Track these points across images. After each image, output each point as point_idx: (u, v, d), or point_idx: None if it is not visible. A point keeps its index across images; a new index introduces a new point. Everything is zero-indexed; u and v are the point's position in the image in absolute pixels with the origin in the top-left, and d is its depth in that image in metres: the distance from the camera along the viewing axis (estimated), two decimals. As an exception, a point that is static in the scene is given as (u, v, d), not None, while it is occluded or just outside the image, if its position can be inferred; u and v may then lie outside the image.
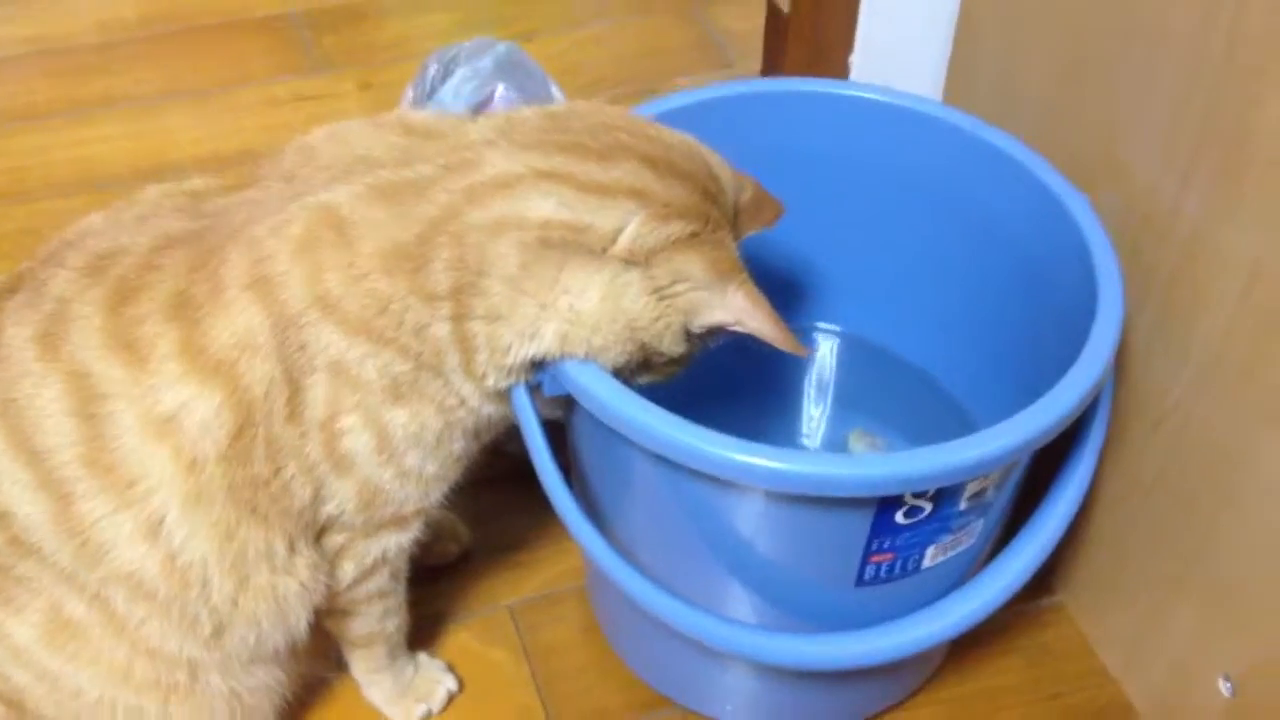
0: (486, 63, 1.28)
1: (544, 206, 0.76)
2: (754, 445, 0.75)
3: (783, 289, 1.13)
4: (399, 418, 0.80)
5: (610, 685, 1.03)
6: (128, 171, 1.52)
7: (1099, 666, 1.06)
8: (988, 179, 0.98)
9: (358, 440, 0.79)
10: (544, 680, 1.04)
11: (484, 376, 0.80)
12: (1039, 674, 1.06)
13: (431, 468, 0.84)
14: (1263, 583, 0.88)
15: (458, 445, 0.84)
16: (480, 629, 1.07)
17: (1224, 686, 0.92)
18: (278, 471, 0.78)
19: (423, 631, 1.05)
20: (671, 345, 0.81)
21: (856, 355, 1.16)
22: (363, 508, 0.83)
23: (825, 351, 1.17)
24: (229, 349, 0.75)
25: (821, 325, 1.17)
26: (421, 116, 0.84)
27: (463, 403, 0.81)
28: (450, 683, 1.02)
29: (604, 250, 0.77)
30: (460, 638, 1.07)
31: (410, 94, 1.31)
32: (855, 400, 1.15)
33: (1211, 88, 0.83)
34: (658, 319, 0.79)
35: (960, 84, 1.13)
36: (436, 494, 0.87)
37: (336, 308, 0.76)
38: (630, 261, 0.78)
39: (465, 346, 0.79)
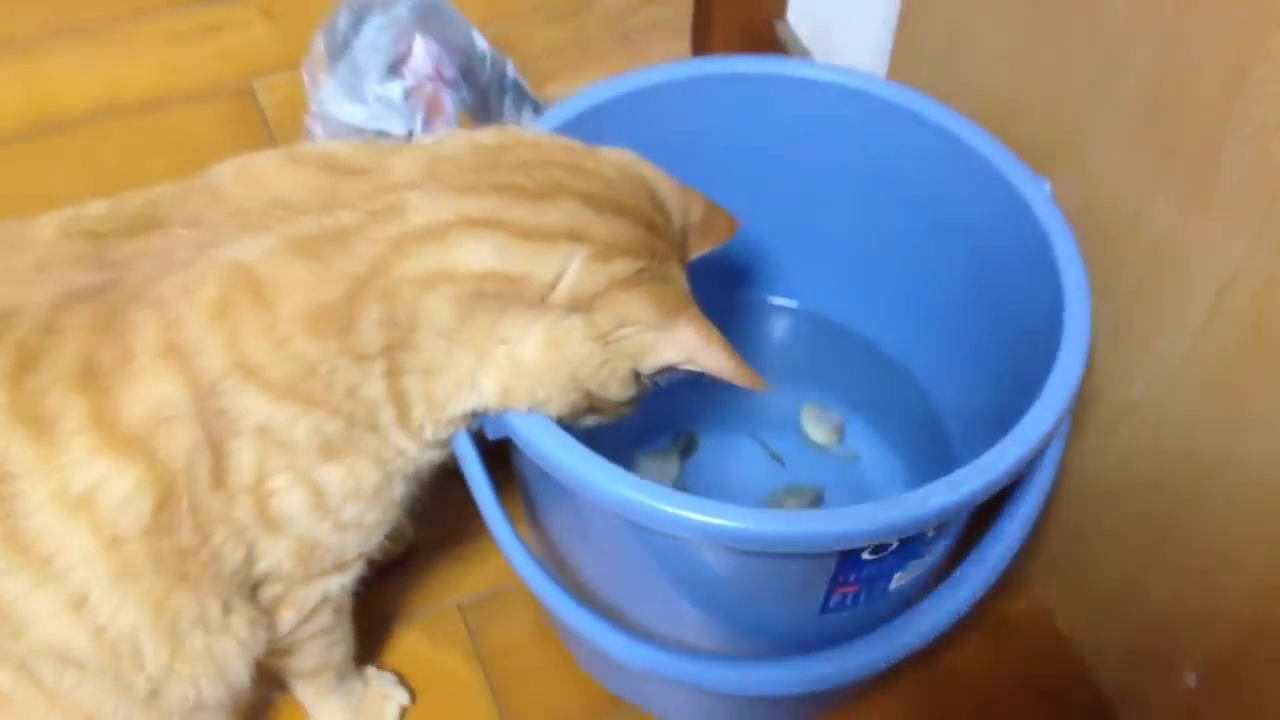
0: (402, 10, 1.20)
1: (478, 257, 0.71)
2: (714, 505, 0.71)
3: (736, 263, 1.08)
4: (333, 474, 0.75)
5: (567, 688, 1.02)
6: (20, 125, 1.42)
7: (1065, 645, 1.05)
8: (936, 160, 0.94)
9: (290, 499, 0.75)
10: (499, 684, 1.02)
11: (421, 429, 0.76)
12: (1004, 652, 1.05)
13: (372, 516, 0.80)
14: (1219, 576, 0.87)
15: (398, 491, 0.80)
16: (430, 629, 1.05)
17: (1190, 676, 0.92)
18: (206, 539, 0.73)
19: (371, 636, 1.02)
20: (619, 391, 0.76)
21: (811, 330, 1.12)
22: (300, 563, 0.79)
23: (780, 326, 1.13)
24: (143, 422, 0.69)
25: (775, 300, 1.13)
26: (340, 149, 0.77)
27: (401, 453, 0.77)
28: (402, 697, 1.00)
29: (544, 299, 0.72)
30: (410, 640, 1.04)
31: (321, 44, 1.22)
32: (810, 375, 1.12)
33: (1187, 76, 0.78)
34: (603, 365, 0.75)
35: (908, 50, 1.07)
36: (378, 537, 0.83)
37: (258, 373, 0.70)
38: (572, 307, 0.73)
39: (400, 403, 0.74)
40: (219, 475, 0.72)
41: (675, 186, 0.80)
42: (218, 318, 0.69)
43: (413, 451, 0.77)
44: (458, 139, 0.76)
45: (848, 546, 0.73)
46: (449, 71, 1.18)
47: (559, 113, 0.92)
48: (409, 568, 1.07)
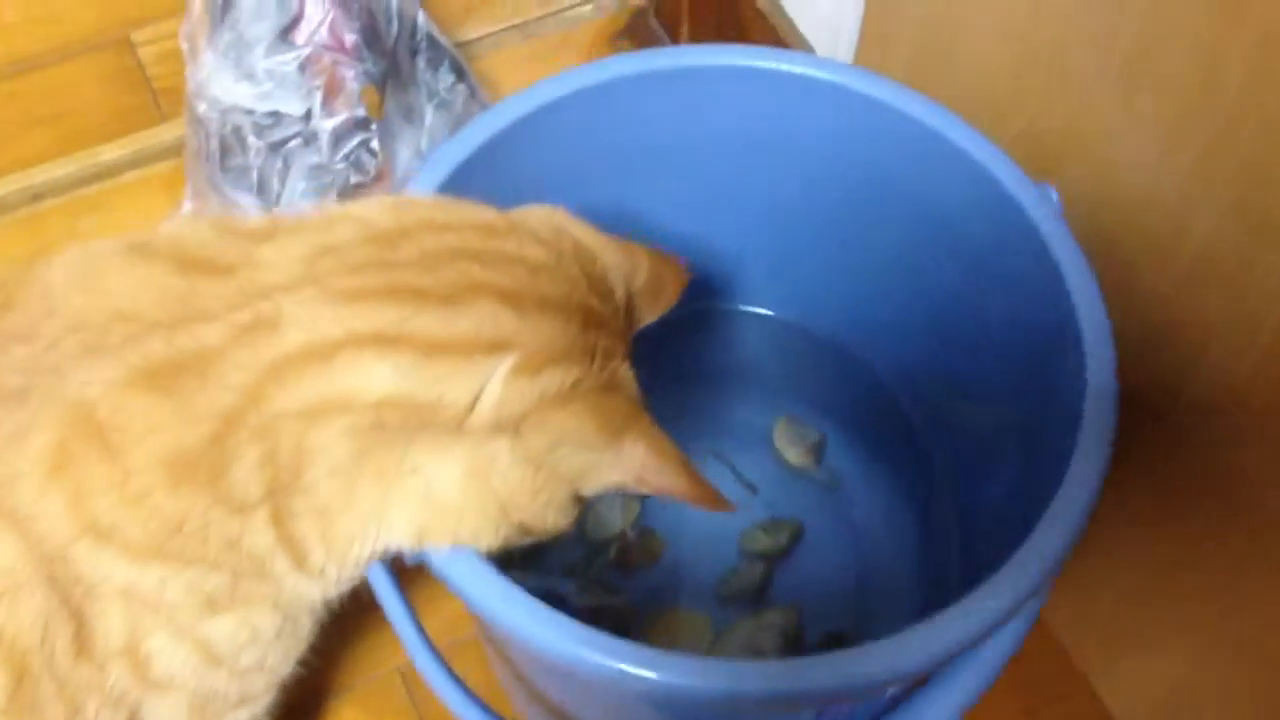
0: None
1: (375, 383, 0.57)
2: (683, 661, 0.60)
3: (703, 272, 0.94)
4: (223, 628, 0.63)
5: None
6: None
7: (1077, 676, 0.95)
8: (922, 162, 0.79)
9: (174, 659, 0.63)
10: (448, 762, 0.91)
11: (323, 572, 0.63)
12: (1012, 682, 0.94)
13: (275, 656, 0.68)
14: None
15: (306, 626, 0.68)
16: (368, 701, 0.93)
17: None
18: (78, 711, 0.61)
19: (302, 714, 0.91)
20: (558, 519, 0.63)
21: (786, 339, 0.98)
22: (197, 711, 0.67)
23: (752, 335, 0.99)
24: (-18, 597, 0.57)
25: (747, 308, 0.99)
26: (197, 237, 0.61)
27: (303, 595, 0.65)
28: (340, 792, 0.89)
29: (460, 424, 0.59)
30: (347, 715, 0.93)
31: (197, 4, 1.05)
32: (784, 387, 0.98)
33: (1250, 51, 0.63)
34: (537, 493, 0.61)
35: (880, 22, 0.91)
36: (289, 669, 0.71)
37: (113, 535, 0.57)
38: (496, 430, 0.59)
39: (294, 549, 0.61)
40: (83, 644, 0.60)
41: (615, 249, 0.66)
42: (56, 474, 0.56)
43: (316, 592, 0.65)
44: (345, 222, 0.61)
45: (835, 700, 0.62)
46: (349, 36, 1.02)
47: (487, 123, 0.77)
48: (340, 629, 0.95)
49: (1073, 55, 0.74)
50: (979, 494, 0.85)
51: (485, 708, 0.70)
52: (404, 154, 1.05)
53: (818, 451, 0.94)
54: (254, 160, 1.00)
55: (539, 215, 0.64)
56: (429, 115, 1.08)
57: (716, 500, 0.63)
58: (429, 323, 0.57)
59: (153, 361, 0.57)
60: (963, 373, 0.85)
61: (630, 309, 0.66)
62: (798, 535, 0.91)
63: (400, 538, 0.61)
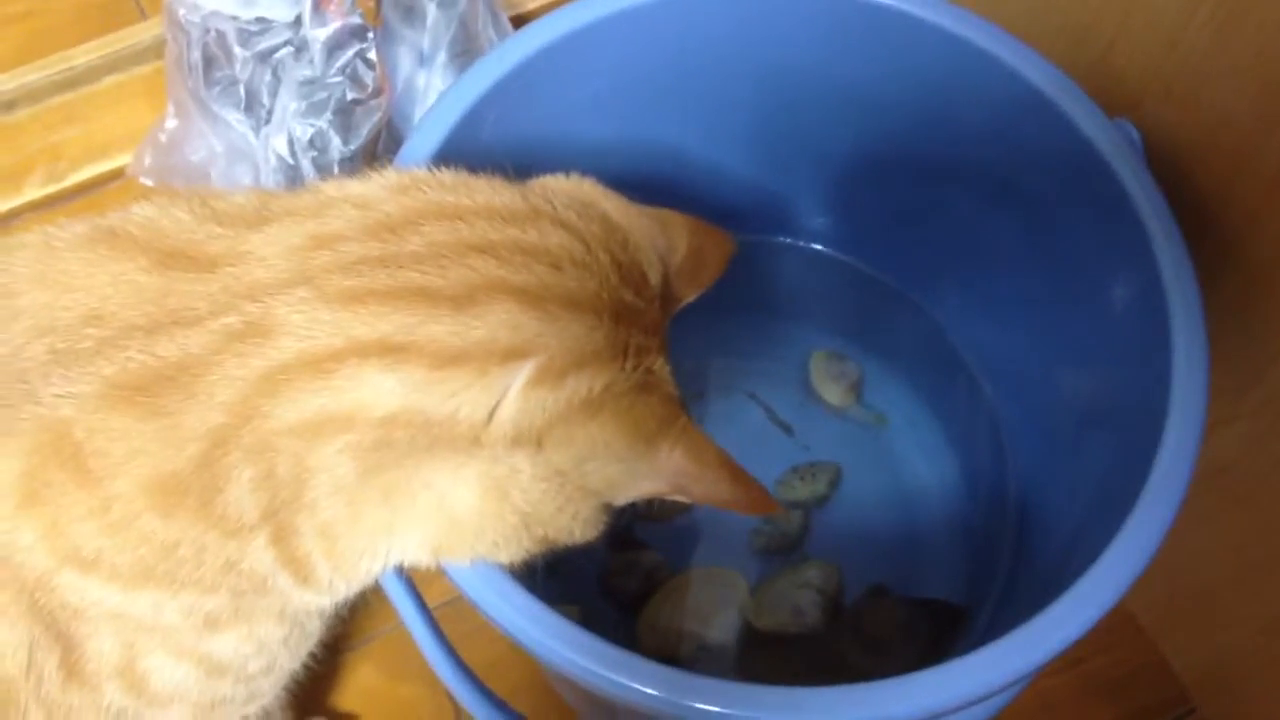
0: None
1: (380, 398, 0.51)
2: (723, 686, 0.55)
3: (735, 204, 0.86)
4: (226, 643, 0.58)
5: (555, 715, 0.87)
6: None
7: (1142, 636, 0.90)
8: (975, 90, 0.71)
9: (174, 675, 0.58)
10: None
11: (331, 586, 0.58)
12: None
13: (284, 658, 0.63)
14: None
15: (314, 625, 0.64)
16: (383, 655, 0.89)
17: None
18: (71, 733, 0.57)
19: (316, 672, 0.87)
20: (585, 533, 0.58)
21: (824, 272, 0.92)
22: (204, 714, 0.63)
23: (785, 267, 0.92)
24: (-46, 631, 0.52)
25: (781, 239, 0.91)
26: (174, 221, 0.54)
27: (309, 605, 0.60)
28: (359, 756, 0.85)
29: (477, 438, 0.52)
30: (361, 673, 0.88)
31: None
32: (820, 319, 0.92)
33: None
34: (562, 509, 0.55)
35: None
36: (299, 664, 0.66)
37: (98, 564, 0.52)
38: (516, 443, 0.53)
39: (298, 567, 0.55)
40: (73, 667, 0.56)
41: (650, 225, 0.59)
42: (28, 504, 0.51)
43: (325, 601, 0.60)
44: (343, 206, 0.54)
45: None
46: (341, -71, 0.92)
47: (503, 56, 0.70)
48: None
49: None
50: (1044, 462, 0.79)
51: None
52: (405, 60, 0.96)
53: (857, 389, 0.88)
54: (240, 72, 0.91)
55: (565, 189, 0.57)
56: (431, 13, 0.98)
57: (766, 503, 0.57)
58: (439, 330, 0.51)
59: (129, 373, 0.51)
60: (1026, 329, 0.78)
61: (668, 290, 0.59)
62: (836, 480, 0.86)
63: (413, 554, 0.56)
